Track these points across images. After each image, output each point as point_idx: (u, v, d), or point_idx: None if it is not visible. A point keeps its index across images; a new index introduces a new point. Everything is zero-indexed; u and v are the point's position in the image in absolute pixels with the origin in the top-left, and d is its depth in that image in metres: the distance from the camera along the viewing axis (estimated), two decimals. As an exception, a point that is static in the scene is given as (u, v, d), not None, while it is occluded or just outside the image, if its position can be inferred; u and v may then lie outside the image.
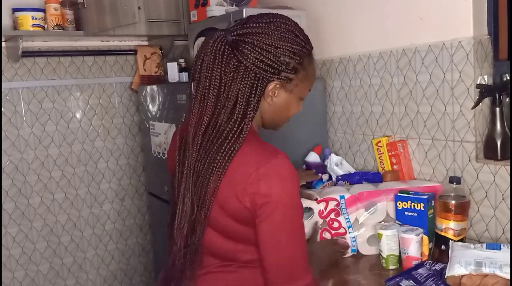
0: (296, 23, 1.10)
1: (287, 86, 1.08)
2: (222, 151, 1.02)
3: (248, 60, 1.03)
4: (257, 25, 1.06)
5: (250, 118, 1.04)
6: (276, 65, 1.04)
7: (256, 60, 1.02)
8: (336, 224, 1.58)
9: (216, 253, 1.12)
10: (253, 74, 1.04)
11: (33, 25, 2.31)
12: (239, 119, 1.03)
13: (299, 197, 1.06)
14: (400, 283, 1.32)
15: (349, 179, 1.85)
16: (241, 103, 1.03)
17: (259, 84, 1.05)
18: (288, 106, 1.12)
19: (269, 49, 1.03)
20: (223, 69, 1.04)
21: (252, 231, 1.05)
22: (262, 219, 1.01)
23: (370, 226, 1.59)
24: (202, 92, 1.06)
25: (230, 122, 1.03)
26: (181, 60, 2.38)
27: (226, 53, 1.05)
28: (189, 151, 1.06)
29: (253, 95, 1.04)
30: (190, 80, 1.11)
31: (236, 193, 1.01)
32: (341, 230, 1.58)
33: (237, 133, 1.03)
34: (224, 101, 1.04)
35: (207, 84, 1.05)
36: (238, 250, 1.10)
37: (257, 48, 1.03)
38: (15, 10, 2.32)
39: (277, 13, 1.11)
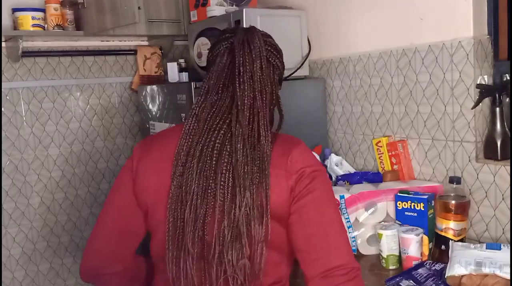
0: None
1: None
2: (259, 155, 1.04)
3: (275, 60, 1.20)
4: (277, 48, 1.24)
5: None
6: (279, 73, 1.24)
7: (274, 69, 1.20)
8: (336, 224, 1.57)
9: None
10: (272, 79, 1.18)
11: (33, 25, 2.30)
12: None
13: None
14: (400, 283, 1.32)
15: (349, 179, 1.85)
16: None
17: (276, 89, 1.20)
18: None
19: (278, 62, 1.21)
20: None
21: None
22: (307, 191, 1.03)
23: (370, 226, 1.59)
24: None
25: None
26: (181, 60, 2.38)
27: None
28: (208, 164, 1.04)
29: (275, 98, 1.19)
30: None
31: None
32: (341, 230, 1.58)
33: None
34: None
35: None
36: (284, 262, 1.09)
37: (275, 49, 1.22)
38: (15, 10, 2.32)
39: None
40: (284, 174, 1.03)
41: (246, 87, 1.08)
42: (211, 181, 1.02)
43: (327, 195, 1.06)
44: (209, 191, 1.02)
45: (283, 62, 1.20)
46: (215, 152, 1.04)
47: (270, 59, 1.15)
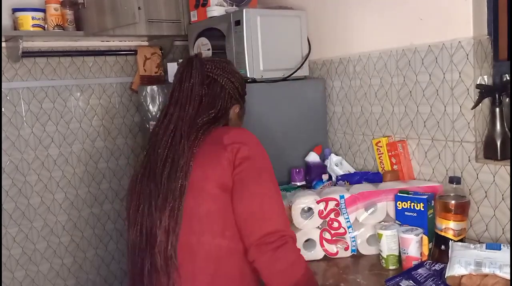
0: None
1: (243, 106, 1.52)
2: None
3: (227, 82, 1.44)
4: (232, 72, 1.47)
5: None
6: (237, 93, 1.47)
7: (228, 88, 1.43)
8: (336, 224, 1.58)
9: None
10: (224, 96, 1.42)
11: (33, 25, 2.31)
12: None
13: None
14: (400, 283, 1.32)
15: (349, 179, 1.85)
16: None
17: (227, 104, 1.43)
18: (241, 120, 1.53)
19: (234, 82, 1.46)
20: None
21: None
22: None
23: (370, 226, 1.59)
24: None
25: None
26: (181, 60, 2.37)
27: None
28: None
29: (221, 113, 1.41)
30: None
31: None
32: (341, 230, 1.58)
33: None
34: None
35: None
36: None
37: (235, 76, 1.47)
38: (15, 10, 2.32)
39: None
40: (222, 147, 1.24)
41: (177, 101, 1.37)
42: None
43: (263, 164, 1.27)
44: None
45: (233, 82, 1.42)
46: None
47: (215, 77, 1.40)
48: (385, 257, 1.47)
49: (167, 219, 1.20)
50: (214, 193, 1.21)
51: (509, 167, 1.48)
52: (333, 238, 1.58)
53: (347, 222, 1.58)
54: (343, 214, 1.58)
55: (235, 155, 1.23)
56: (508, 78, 1.55)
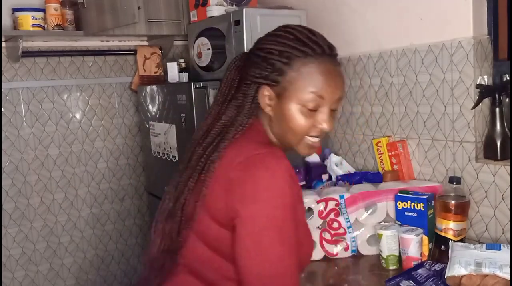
0: (306, 27, 1.05)
1: (279, 92, 1.00)
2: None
3: (243, 69, 1.05)
4: (264, 37, 1.05)
5: (240, 125, 1.03)
6: (261, 67, 1.00)
7: (248, 68, 1.03)
8: (335, 224, 1.58)
9: (198, 269, 1.02)
10: (246, 82, 1.04)
11: (33, 25, 2.30)
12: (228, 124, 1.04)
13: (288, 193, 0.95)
14: (400, 284, 1.32)
15: (349, 179, 1.85)
16: (233, 111, 1.04)
17: (248, 91, 1.03)
18: (286, 116, 1.00)
19: (258, 54, 1.02)
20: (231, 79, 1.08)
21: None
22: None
23: (370, 226, 1.59)
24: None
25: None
26: (181, 60, 2.38)
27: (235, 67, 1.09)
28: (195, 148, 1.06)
29: (245, 102, 1.03)
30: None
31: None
32: (341, 230, 1.58)
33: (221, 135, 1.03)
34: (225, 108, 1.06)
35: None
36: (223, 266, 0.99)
37: (250, 55, 1.04)
38: (15, 10, 2.32)
39: (290, 25, 1.06)
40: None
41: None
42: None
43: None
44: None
45: (268, 61, 1.00)
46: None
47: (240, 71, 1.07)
48: (385, 257, 1.47)
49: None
50: None
51: (509, 167, 1.48)
52: (333, 238, 1.58)
53: (347, 222, 1.58)
54: (343, 214, 1.58)
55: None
56: (508, 78, 1.55)
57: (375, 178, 1.81)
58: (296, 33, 1.01)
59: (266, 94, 1.01)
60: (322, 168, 2.01)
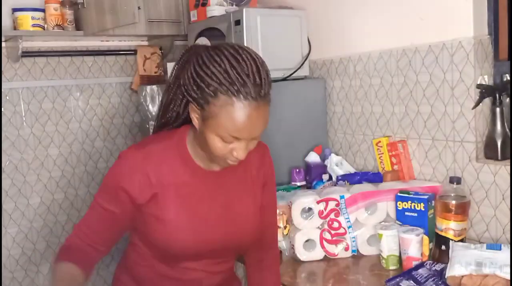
0: (248, 59, 1.02)
1: (203, 115, 1.04)
2: None
3: (183, 73, 1.08)
4: (221, 46, 1.05)
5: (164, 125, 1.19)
6: (192, 87, 1.03)
7: (185, 77, 1.06)
8: (336, 224, 1.57)
9: None
10: (180, 90, 1.11)
11: (33, 25, 2.30)
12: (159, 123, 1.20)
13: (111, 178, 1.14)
14: (400, 284, 1.32)
15: (349, 179, 1.85)
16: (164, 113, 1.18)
17: (183, 100, 1.12)
18: (206, 139, 1.05)
19: (195, 69, 1.03)
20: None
21: None
22: None
23: (370, 226, 1.58)
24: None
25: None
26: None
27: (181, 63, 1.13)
28: None
29: (174, 108, 1.15)
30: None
31: None
32: (341, 230, 1.57)
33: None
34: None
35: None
36: None
37: (192, 60, 1.05)
38: (15, 10, 2.32)
39: (250, 49, 1.07)
40: None
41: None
42: None
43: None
44: None
45: (198, 83, 1.02)
46: None
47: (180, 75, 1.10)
48: (385, 257, 1.47)
49: None
50: None
51: (509, 167, 1.48)
52: (333, 238, 1.58)
53: (347, 222, 1.58)
54: (343, 214, 1.58)
55: None
56: (508, 78, 1.55)
57: (375, 178, 1.81)
58: (229, 66, 1.00)
59: (194, 112, 1.08)
60: (322, 168, 2.00)
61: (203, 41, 2.18)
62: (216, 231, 1.16)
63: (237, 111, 1.00)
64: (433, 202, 1.52)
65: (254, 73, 1.01)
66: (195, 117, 1.07)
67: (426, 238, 1.46)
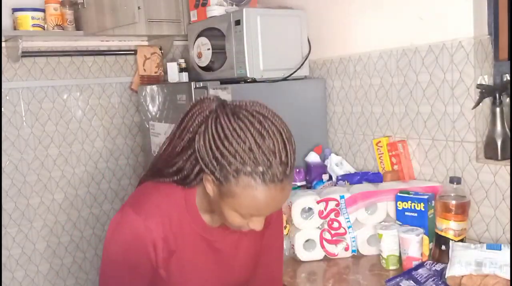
0: (280, 140, 0.93)
1: (220, 189, 0.95)
2: None
3: (200, 137, 0.97)
4: (242, 115, 0.95)
5: (173, 181, 1.06)
6: (211, 160, 0.94)
7: (203, 145, 0.95)
8: (336, 224, 1.58)
9: None
10: (192, 153, 1.01)
11: (33, 25, 2.30)
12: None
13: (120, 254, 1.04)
14: (400, 284, 1.32)
15: (349, 179, 1.85)
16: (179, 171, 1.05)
17: (196, 165, 1.01)
18: (221, 210, 0.98)
19: (215, 140, 0.93)
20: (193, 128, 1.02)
21: None
22: None
23: (370, 226, 1.58)
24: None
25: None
26: (181, 60, 2.38)
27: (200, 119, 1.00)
28: None
29: (189, 173, 1.03)
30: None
31: None
32: (341, 230, 1.58)
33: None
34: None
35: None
36: None
37: (211, 134, 0.94)
38: (15, 10, 2.31)
39: (275, 118, 0.98)
40: None
41: None
42: None
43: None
44: None
45: (218, 158, 0.93)
46: None
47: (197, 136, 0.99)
48: (385, 257, 1.47)
49: None
50: None
51: (509, 167, 1.48)
52: (333, 238, 1.58)
53: (347, 222, 1.58)
54: (343, 214, 1.58)
55: None
56: (508, 78, 1.55)
57: (375, 178, 1.81)
58: (254, 144, 0.91)
59: (209, 182, 0.98)
60: (322, 168, 2.00)
61: (203, 41, 2.18)
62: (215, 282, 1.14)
63: (261, 194, 0.92)
64: (433, 202, 1.52)
65: (281, 150, 0.92)
66: (210, 188, 0.98)
67: (426, 238, 1.46)
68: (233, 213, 0.97)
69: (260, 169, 0.90)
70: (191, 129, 1.00)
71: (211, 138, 0.93)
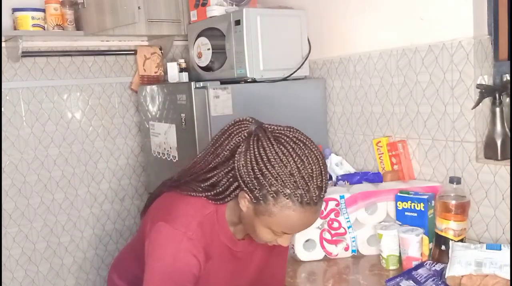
0: (317, 166, 1.02)
1: (256, 207, 1.03)
2: None
3: (240, 157, 1.03)
4: (284, 140, 1.04)
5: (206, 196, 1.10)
6: (250, 180, 1.01)
7: (242, 165, 1.02)
8: (336, 224, 1.58)
9: None
10: (231, 170, 1.06)
11: (33, 25, 2.30)
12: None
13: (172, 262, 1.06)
14: (400, 284, 1.32)
15: (349, 179, 1.85)
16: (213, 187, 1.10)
17: (233, 182, 1.06)
18: (254, 226, 1.06)
19: (257, 161, 1.01)
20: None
21: None
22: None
23: (370, 226, 1.59)
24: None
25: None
26: (181, 60, 2.38)
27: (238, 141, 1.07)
28: None
29: (224, 189, 1.08)
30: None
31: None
32: (341, 230, 1.58)
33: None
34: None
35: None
36: None
37: (253, 155, 1.02)
38: (15, 10, 2.31)
39: (313, 145, 1.07)
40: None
41: None
42: None
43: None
44: None
45: (259, 179, 1.00)
46: None
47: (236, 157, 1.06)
48: (385, 257, 1.47)
49: None
50: None
51: (509, 167, 1.48)
52: (333, 238, 1.58)
53: (347, 222, 1.58)
54: (343, 214, 1.58)
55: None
56: (508, 78, 1.55)
57: (375, 178, 1.81)
58: (295, 168, 0.99)
59: (245, 199, 1.04)
60: (322, 168, 2.00)
61: (203, 41, 2.18)
62: None
63: (296, 215, 1.00)
64: (433, 202, 1.52)
65: (318, 175, 1.01)
66: (245, 204, 1.05)
67: (426, 238, 1.46)
68: (266, 230, 1.04)
69: (299, 192, 0.98)
70: (227, 147, 1.07)
71: (253, 159, 1.01)
